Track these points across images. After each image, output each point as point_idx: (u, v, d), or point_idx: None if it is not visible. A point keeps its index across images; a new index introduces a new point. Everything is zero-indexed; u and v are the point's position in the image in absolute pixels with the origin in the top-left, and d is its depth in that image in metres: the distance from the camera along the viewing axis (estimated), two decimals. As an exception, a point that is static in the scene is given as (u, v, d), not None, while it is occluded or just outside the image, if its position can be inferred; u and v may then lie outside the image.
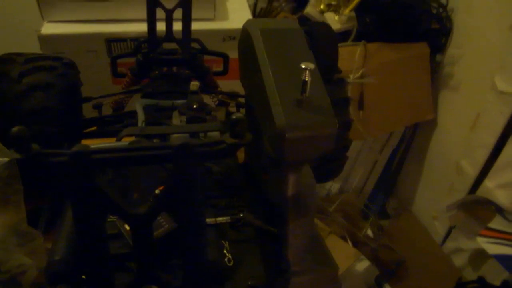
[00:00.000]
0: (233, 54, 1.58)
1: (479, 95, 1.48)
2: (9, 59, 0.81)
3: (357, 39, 1.57)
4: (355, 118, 1.54)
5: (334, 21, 1.60)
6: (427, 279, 1.58)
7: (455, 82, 1.62)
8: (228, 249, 0.51)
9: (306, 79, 0.54)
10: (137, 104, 0.74)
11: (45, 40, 1.47)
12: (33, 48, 1.48)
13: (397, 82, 1.61)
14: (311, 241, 0.68)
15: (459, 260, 1.57)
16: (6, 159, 0.62)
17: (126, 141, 0.56)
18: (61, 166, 0.38)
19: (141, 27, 1.53)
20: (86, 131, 0.86)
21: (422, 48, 1.62)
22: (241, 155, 0.79)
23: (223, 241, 0.52)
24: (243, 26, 0.67)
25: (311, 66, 0.54)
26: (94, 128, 0.87)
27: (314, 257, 0.68)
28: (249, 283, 0.49)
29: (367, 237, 1.72)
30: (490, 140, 1.43)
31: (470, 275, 1.47)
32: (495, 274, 1.32)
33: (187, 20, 0.79)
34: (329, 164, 0.82)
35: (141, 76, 0.85)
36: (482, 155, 1.46)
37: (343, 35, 1.60)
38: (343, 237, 1.64)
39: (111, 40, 1.47)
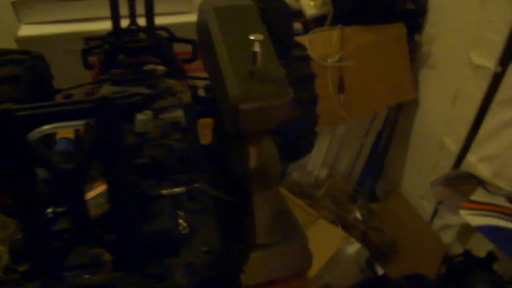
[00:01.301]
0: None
1: (457, 72, 1.49)
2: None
3: (333, 23, 1.58)
4: (336, 102, 1.55)
5: (310, 6, 1.61)
6: (417, 257, 1.59)
7: (433, 60, 1.63)
8: (184, 218, 0.52)
9: (256, 50, 0.55)
10: (103, 91, 0.75)
11: (23, 42, 1.48)
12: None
13: (376, 64, 1.62)
14: (278, 214, 0.69)
15: (447, 237, 1.59)
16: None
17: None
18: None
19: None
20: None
21: (398, 29, 1.63)
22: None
23: (178, 211, 0.53)
24: (199, 6, 0.68)
25: (260, 37, 0.54)
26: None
27: (282, 230, 0.69)
28: (204, 249, 0.50)
29: (356, 220, 1.74)
30: (470, 114, 1.44)
31: (458, 250, 1.49)
32: (481, 246, 1.34)
33: (149, 7, 0.80)
34: (299, 141, 0.83)
35: (109, 65, 0.86)
36: (463, 130, 1.47)
37: (319, 20, 1.61)
38: (333, 222, 1.66)
39: (90, 39, 1.48)
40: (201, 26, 0.68)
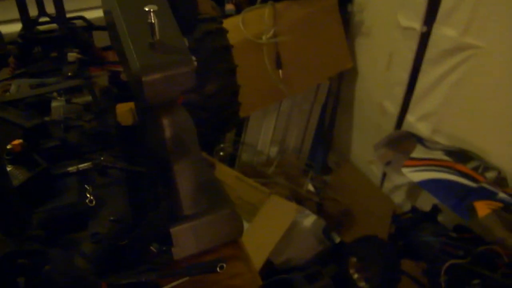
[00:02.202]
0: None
1: (388, 36, 1.53)
2: None
3: (265, 0, 1.59)
4: (275, 78, 1.57)
5: (238, -14, 1.62)
6: (372, 221, 1.63)
7: (366, 28, 1.66)
8: (90, 191, 0.52)
9: (153, 21, 0.55)
10: (16, 83, 0.73)
11: None
12: None
13: (311, 37, 1.64)
14: (203, 184, 0.69)
15: (398, 197, 1.63)
16: None
17: None
18: None
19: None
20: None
21: (330, 0, 1.65)
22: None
23: (87, 186, 0.53)
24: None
25: (154, 7, 0.55)
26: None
27: (209, 199, 0.70)
28: (111, 218, 0.50)
29: (309, 192, 1.77)
30: (404, 76, 1.48)
31: (409, 208, 1.53)
32: (427, 201, 1.38)
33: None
34: (223, 112, 0.83)
35: (24, 58, 0.85)
36: (399, 92, 1.51)
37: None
38: (288, 198, 1.68)
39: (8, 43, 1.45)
40: (106, 12, 0.67)
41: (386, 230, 1.42)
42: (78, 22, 0.92)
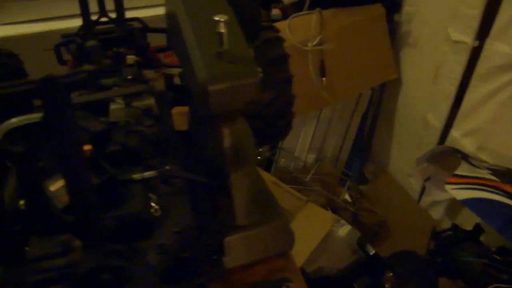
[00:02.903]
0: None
1: (436, 48, 1.50)
2: None
3: (311, 7, 1.58)
4: (319, 85, 1.55)
5: (288, -9, 1.61)
6: (407, 235, 1.61)
7: (414, 39, 1.64)
8: (155, 201, 0.52)
9: (222, 31, 0.55)
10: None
11: (0, 42, 1.47)
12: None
13: (357, 46, 1.62)
14: (257, 195, 0.69)
15: (436, 213, 1.60)
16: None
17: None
18: None
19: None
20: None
21: (377, 10, 1.63)
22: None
23: (151, 195, 0.53)
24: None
25: (225, 17, 0.55)
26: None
27: (262, 210, 0.69)
28: (176, 229, 0.50)
29: (346, 202, 1.75)
30: (451, 90, 1.45)
31: (447, 225, 1.50)
32: (468, 219, 1.35)
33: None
34: (276, 122, 0.83)
35: (82, 58, 0.86)
36: (445, 107, 1.48)
37: (297, 5, 1.61)
38: (323, 206, 1.66)
39: (67, 36, 1.47)
40: (170, 14, 0.68)
41: (424, 246, 1.39)
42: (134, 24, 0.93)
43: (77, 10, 1.49)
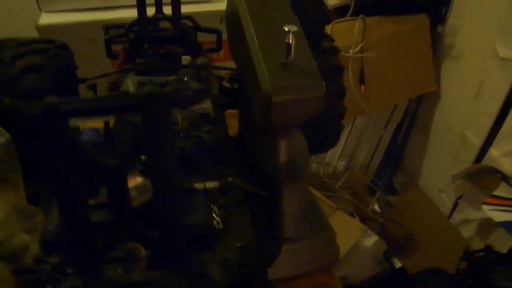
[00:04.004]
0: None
1: (481, 64, 1.46)
2: (1, 44, 0.81)
3: (355, 13, 1.56)
4: (357, 93, 1.54)
5: (332, -4, 1.59)
6: (436, 251, 1.58)
7: (457, 52, 1.60)
8: (217, 213, 0.52)
9: (290, 42, 0.54)
10: (128, 81, 0.74)
11: (43, 30, 1.48)
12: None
13: (398, 55, 1.60)
14: (306, 207, 0.68)
15: (467, 231, 1.57)
16: (3, 139, 0.63)
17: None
18: (32, 118, 0.39)
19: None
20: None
21: (421, 20, 1.60)
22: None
23: (212, 205, 0.52)
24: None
25: (294, 28, 0.53)
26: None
27: (310, 223, 0.68)
28: (238, 244, 0.49)
29: (374, 212, 1.72)
30: (494, 108, 1.41)
31: (478, 245, 1.47)
32: (502, 241, 1.32)
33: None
34: (325, 133, 0.82)
35: (134, 54, 0.86)
36: (486, 124, 1.45)
37: (341, 10, 1.59)
38: (351, 214, 1.65)
39: (109, 27, 1.48)
40: (231, 15, 0.66)
41: (454, 266, 1.36)
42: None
43: (119, 1, 1.50)
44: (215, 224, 0.51)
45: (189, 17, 0.92)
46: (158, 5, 0.83)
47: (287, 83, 0.55)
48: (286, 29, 0.54)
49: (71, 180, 0.41)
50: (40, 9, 1.51)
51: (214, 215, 0.51)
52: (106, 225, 0.46)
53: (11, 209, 0.65)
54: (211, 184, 0.53)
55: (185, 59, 0.73)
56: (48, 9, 1.51)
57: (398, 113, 1.80)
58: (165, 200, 0.43)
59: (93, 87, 0.83)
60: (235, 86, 0.79)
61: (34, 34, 1.48)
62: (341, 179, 1.74)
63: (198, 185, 0.53)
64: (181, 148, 0.57)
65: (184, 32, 0.83)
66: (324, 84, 0.57)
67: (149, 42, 0.84)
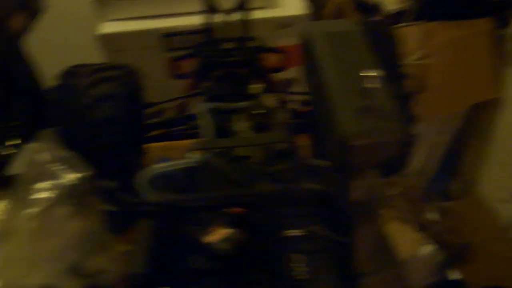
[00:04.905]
0: (289, 41, 1.57)
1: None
2: (75, 71, 0.84)
3: (416, 18, 1.52)
4: (417, 100, 1.50)
5: (391, 0, 1.55)
6: (494, 263, 1.53)
7: (523, 58, 1.54)
8: (305, 261, 0.52)
9: (371, 86, 0.53)
10: (198, 109, 0.75)
11: (103, 39, 1.52)
12: (92, 47, 1.53)
13: (460, 61, 1.55)
14: (377, 242, 0.68)
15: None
16: (87, 174, 0.66)
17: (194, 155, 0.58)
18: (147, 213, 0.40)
19: (197, 20, 1.55)
20: (150, 135, 0.89)
21: (486, 25, 1.54)
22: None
23: (298, 254, 0.53)
24: (304, 28, 0.66)
25: (376, 72, 0.53)
26: (158, 131, 0.89)
27: (381, 257, 0.68)
28: None
29: (430, 220, 1.69)
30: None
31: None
32: None
33: (246, 20, 0.79)
34: (394, 160, 0.80)
35: (202, 78, 0.87)
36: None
37: (399, 15, 1.55)
38: (407, 221, 1.62)
39: (168, 35, 1.50)
40: (307, 45, 0.66)
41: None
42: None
43: (177, 9, 1.51)
44: (302, 274, 0.51)
45: (251, 38, 0.92)
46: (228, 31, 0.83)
47: (365, 127, 0.55)
48: (368, 73, 0.53)
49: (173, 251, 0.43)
50: (99, 18, 1.55)
51: (300, 264, 0.52)
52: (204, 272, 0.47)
53: (90, 237, 0.68)
54: (297, 233, 0.53)
55: (257, 87, 0.74)
56: (108, 18, 1.55)
57: (457, 119, 1.75)
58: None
59: (160, 114, 0.85)
60: (308, 109, 0.79)
61: (93, 43, 1.52)
62: (395, 185, 1.71)
63: (286, 233, 0.53)
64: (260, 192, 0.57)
65: (253, 56, 0.83)
66: (403, 126, 0.57)
67: (218, 66, 0.84)
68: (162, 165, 0.53)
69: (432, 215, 1.70)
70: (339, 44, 0.61)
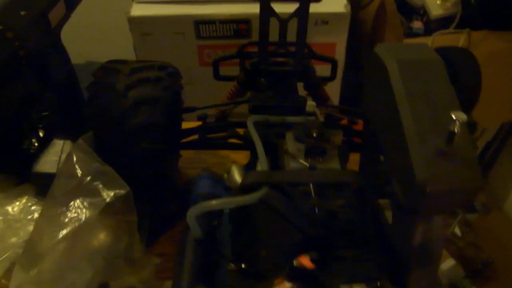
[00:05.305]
0: (324, 39, 1.51)
1: None
2: (113, 69, 0.79)
3: (460, 26, 1.45)
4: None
5: (436, 5, 1.49)
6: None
7: None
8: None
9: (455, 131, 0.49)
10: (248, 123, 0.70)
11: (134, 22, 1.48)
12: (122, 28, 1.49)
13: (502, 73, 1.49)
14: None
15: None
16: (123, 192, 0.62)
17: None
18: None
19: (230, 9, 1.50)
20: (187, 140, 0.84)
21: (532, 37, 1.47)
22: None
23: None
24: (374, 50, 0.61)
25: (463, 117, 0.48)
26: (195, 137, 0.85)
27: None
28: None
29: (453, 234, 1.65)
30: None
31: None
32: None
33: (302, 31, 0.74)
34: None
35: (248, 86, 0.82)
36: None
37: (445, 21, 1.49)
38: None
39: (199, 22, 1.46)
40: (376, 73, 0.61)
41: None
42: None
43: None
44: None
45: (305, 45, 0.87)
46: (282, 40, 0.78)
47: (444, 172, 0.51)
48: (454, 117, 0.48)
49: None
50: (132, 0, 1.51)
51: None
52: None
53: (122, 254, 0.65)
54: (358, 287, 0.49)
55: (311, 105, 0.69)
56: (140, 0, 1.51)
57: (488, 132, 1.70)
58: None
59: (203, 118, 0.81)
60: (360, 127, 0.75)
61: (126, 25, 1.48)
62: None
63: (344, 287, 0.49)
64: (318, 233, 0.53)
65: (305, 67, 0.78)
66: (482, 174, 0.52)
67: (266, 75, 0.79)
68: (214, 202, 0.49)
69: (456, 230, 1.66)
70: (415, 74, 0.56)
